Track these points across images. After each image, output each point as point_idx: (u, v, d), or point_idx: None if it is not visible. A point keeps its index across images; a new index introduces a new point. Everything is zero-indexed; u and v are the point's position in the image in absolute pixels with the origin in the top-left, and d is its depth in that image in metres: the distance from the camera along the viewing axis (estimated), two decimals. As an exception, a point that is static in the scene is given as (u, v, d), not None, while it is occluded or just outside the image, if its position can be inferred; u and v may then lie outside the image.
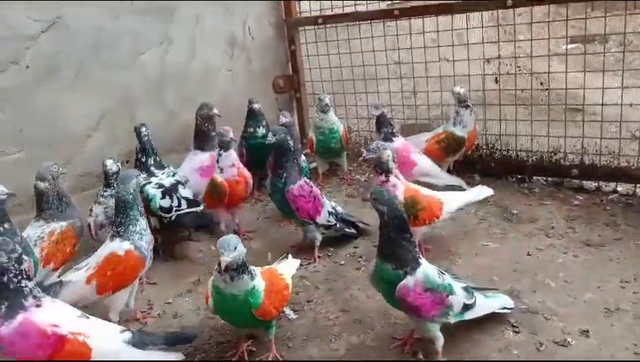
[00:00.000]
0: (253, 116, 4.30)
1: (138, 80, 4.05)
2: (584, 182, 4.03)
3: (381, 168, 3.04)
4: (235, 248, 2.21)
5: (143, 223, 2.76)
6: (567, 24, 3.91)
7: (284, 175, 3.27)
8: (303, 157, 4.07)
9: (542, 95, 4.19)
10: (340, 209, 3.51)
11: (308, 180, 3.39)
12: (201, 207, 3.53)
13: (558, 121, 4.02)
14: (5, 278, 2.13)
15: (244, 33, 4.82)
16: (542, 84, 4.19)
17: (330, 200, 3.50)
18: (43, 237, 2.89)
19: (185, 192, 3.55)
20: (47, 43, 3.47)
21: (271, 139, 3.27)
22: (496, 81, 4.36)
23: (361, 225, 3.60)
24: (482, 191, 3.36)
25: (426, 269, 2.31)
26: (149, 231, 2.80)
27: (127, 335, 2.30)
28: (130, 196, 2.73)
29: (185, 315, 2.95)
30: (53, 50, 3.51)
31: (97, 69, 3.76)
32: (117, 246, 2.68)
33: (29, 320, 2.06)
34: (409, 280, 2.25)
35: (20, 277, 2.15)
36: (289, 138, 3.29)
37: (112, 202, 3.23)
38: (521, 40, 4.21)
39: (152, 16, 4.06)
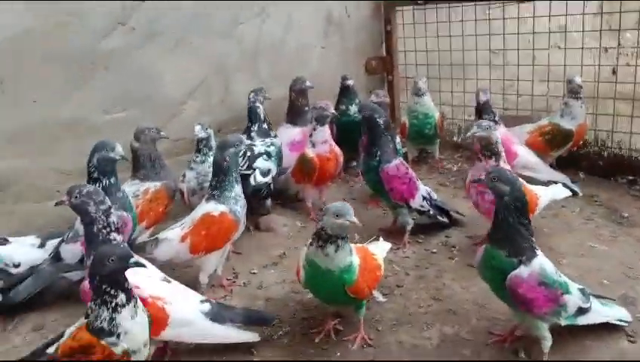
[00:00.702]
0: (346, 93, 4.18)
1: (234, 50, 4.03)
2: None
3: (490, 150, 2.83)
4: None
5: (237, 189, 2.71)
6: None
7: (379, 153, 3.13)
8: (398, 139, 3.91)
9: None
10: (434, 195, 3.33)
11: (404, 161, 3.23)
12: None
13: (682, 120, 3.64)
14: (95, 228, 2.16)
15: (341, 11, 4.70)
16: (666, 78, 3.79)
17: (425, 186, 3.32)
18: (138, 195, 2.91)
19: (259, 163, 3.43)
20: (152, 7, 3.50)
21: (357, 115, 3.19)
22: (614, 72, 3.99)
23: (455, 214, 3.40)
24: (562, 191, 3.18)
25: (543, 261, 2.11)
26: (243, 196, 2.75)
27: (207, 306, 2.28)
28: (226, 161, 2.69)
29: (269, 287, 2.89)
30: (157, 14, 3.54)
31: (197, 36, 3.77)
32: (212, 208, 2.66)
33: None
34: (523, 270, 2.05)
35: (108, 230, 2.17)
36: (377, 115, 3.13)
37: (201, 168, 3.24)
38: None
39: (253, -12, 4.03)
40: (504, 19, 4.36)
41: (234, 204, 2.67)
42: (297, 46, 4.43)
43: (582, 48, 3.98)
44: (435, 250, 3.16)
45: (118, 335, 1.84)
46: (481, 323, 2.48)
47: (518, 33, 4.29)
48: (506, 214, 2.09)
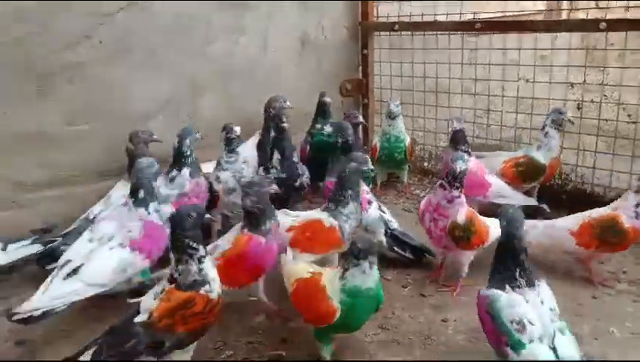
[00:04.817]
0: (322, 111, 4.15)
1: (206, 68, 4.04)
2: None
3: (461, 183, 2.85)
4: None
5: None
6: (667, 53, 3.57)
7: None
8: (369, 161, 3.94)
9: (628, 128, 3.83)
10: (395, 225, 3.28)
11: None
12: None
13: (644, 157, 3.67)
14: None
15: (317, 32, 4.74)
16: (629, 116, 3.84)
17: (384, 212, 3.29)
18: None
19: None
20: (122, 22, 3.51)
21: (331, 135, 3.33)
22: (579, 108, 4.04)
23: (419, 245, 3.29)
24: None
25: (512, 299, 2.12)
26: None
27: None
28: None
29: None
30: (127, 29, 3.55)
31: (167, 53, 3.79)
32: None
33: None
34: (488, 292, 2.18)
35: None
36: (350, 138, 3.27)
37: (236, 166, 3.31)
38: (611, 67, 3.89)
39: (227, 6, 4.04)
40: (477, 49, 4.42)
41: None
42: (271, 65, 4.44)
43: (549, 82, 4.03)
44: (389, 278, 3.16)
45: (209, 283, 2.08)
46: (424, 354, 2.49)
47: (489, 64, 4.35)
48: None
